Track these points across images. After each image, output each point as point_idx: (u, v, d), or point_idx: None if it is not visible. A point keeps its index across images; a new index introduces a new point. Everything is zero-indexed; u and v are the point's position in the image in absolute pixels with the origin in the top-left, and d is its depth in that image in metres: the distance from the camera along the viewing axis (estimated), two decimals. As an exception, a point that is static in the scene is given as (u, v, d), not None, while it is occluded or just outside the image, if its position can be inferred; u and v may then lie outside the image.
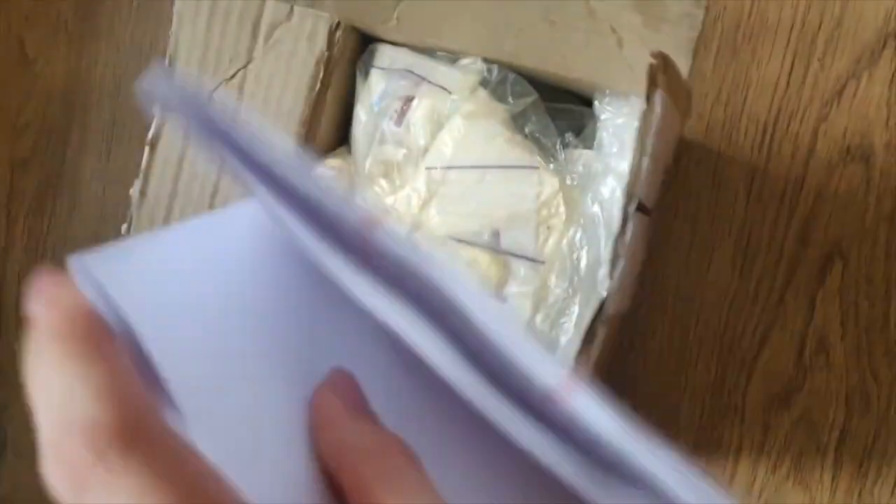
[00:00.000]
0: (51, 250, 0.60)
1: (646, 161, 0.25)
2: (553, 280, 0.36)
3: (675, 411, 0.49)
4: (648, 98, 0.24)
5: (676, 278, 0.49)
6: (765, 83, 0.47)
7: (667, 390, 0.49)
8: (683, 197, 0.48)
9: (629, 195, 0.25)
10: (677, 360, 0.49)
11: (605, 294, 0.25)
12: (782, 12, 0.47)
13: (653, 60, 0.24)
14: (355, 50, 0.39)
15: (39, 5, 0.60)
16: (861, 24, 0.46)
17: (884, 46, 0.46)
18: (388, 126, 0.36)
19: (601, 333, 0.25)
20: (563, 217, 0.34)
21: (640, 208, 0.26)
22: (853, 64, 0.46)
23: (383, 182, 0.37)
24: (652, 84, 0.24)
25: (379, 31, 0.38)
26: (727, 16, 0.47)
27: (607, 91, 0.35)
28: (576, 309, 0.36)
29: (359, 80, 0.39)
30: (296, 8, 0.37)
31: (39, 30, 0.60)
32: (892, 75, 0.46)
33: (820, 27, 0.46)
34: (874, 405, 0.47)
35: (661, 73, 0.24)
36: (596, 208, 0.35)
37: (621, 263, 0.25)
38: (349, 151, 0.40)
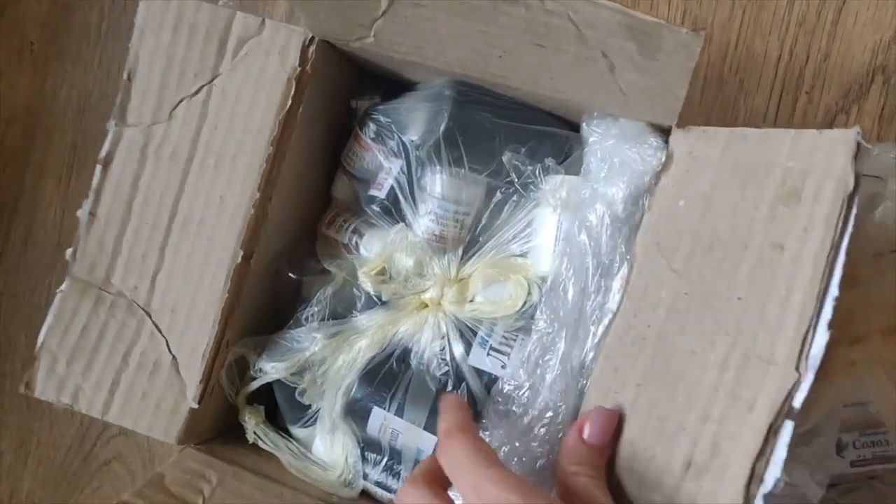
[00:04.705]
0: (2, 278, 0.57)
1: None
2: (539, 313, 0.33)
3: None
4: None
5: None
6: (753, 115, 0.46)
7: None
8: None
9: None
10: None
11: None
12: (769, 44, 0.46)
13: None
14: (329, 66, 0.37)
15: (5, 26, 0.58)
16: (848, 58, 0.45)
17: (872, 80, 0.45)
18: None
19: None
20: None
21: None
22: (842, 97, 0.45)
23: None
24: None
25: (355, 46, 0.36)
26: (713, 47, 0.46)
27: (595, 113, 0.34)
28: (561, 345, 0.33)
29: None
30: (267, 21, 0.35)
31: (4, 51, 0.58)
32: (882, 109, 0.45)
33: (807, 60, 0.45)
34: None
35: None
36: (583, 237, 0.33)
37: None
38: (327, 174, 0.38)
